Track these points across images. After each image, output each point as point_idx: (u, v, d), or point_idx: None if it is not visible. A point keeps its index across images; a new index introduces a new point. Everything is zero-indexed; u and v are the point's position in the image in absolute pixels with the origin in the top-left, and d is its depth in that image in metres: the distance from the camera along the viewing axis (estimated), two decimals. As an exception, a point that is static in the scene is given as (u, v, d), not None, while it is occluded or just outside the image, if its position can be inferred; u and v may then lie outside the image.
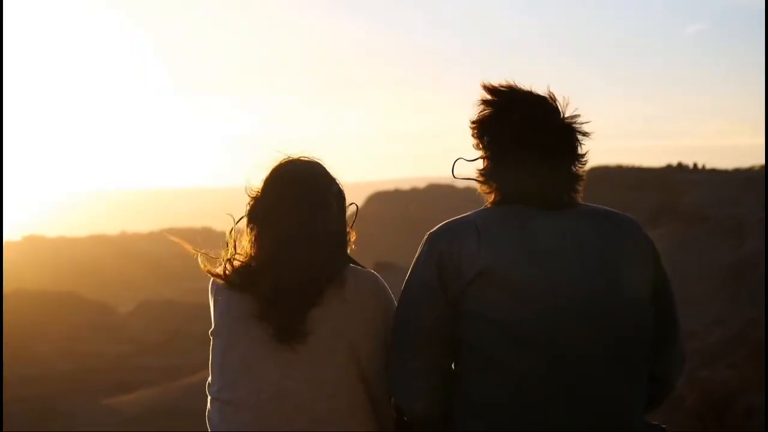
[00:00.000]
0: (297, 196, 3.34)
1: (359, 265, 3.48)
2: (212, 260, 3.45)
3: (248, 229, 3.38)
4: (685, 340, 3.49)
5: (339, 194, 3.44)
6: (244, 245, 3.38)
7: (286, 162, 3.44)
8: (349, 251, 3.48)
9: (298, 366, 3.28)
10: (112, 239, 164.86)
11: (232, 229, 3.42)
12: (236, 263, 3.38)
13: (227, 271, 3.38)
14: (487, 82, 3.30)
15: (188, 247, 3.47)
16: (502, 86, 3.29)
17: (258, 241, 3.35)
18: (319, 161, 3.46)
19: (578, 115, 3.27)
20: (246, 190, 3.43)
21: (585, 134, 3.28)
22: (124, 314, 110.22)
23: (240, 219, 3.42)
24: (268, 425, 3.27)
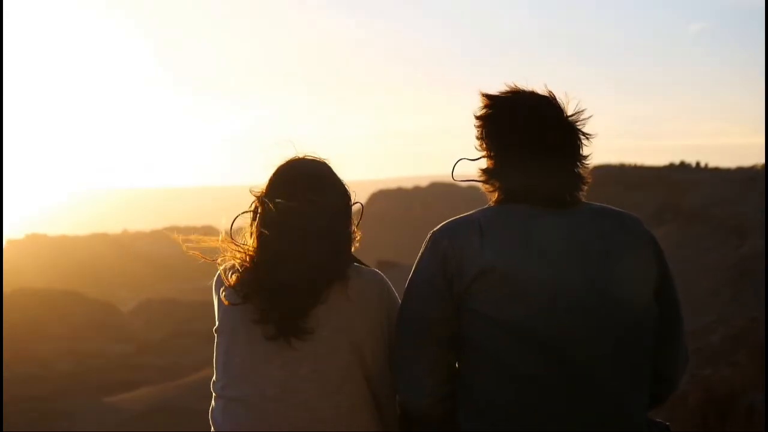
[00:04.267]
0: (302, 194, 3.33)
1: (363, 264, 3.47)
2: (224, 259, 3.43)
3: (252, 227, 3.37)
4: (688, 339, 3.47)
5: (344, 194, 3.43)
6: (248, 243, 3.37)
7: (292, 161, 3.44)
8: (353, 250, 3.47)
9: (302, 364, 3.28)
10: (113, 238, 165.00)
11: (230, 228, 3.41)
12: (239, 261, 3.37)
13: (232, 279, 3.37)
14: (486, 92, 3.30)
15: (196, 253, 3.46)
16: (503, 91, 3.29)
17: (262, 239, 3.34)
18: (325, 160, 3.46)
19: (581, 114, 3.27)
20: (251, 190, 3.42)
21: (588, 134, 3.28)
22: (126, 313, 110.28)
23: (239, 215, 3.41)
24: (271, 423, 3.26)
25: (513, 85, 3.30)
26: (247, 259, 3.35)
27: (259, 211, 3.37)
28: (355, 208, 3.49)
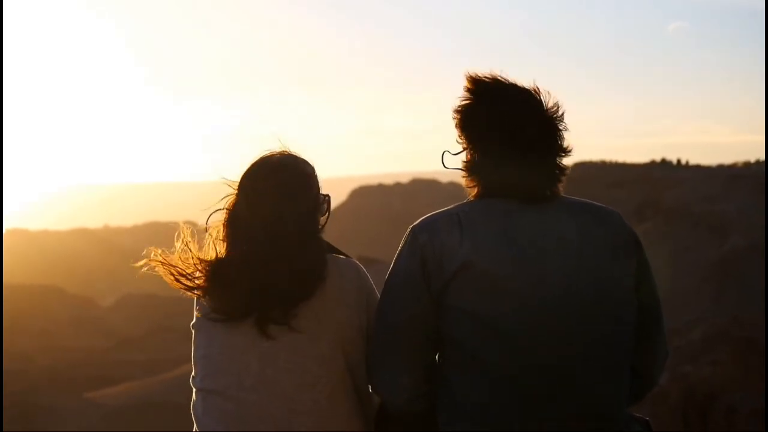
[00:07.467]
0: (272, 189, 3.33)
1: (341, 253, 3.46)
2: (182, 268, 3.41)
3: (225, 225, 3.37)
4: (669, 337, 3.47)
5: (312, 186, 3.43)
6: (219, 240, 3.37)
7: (264, 156, 3.44)
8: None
9: (279, 355, 3.27)
10: (94, 233, 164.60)
11: (206, 224, 3.41)
12: (209, 260, 3.36)
13: (198, 281, 3.36)
14: (472, 72, 3.27)
15: (157, 264, 3.44)
16: (486, 77, 3.26)
17: (234, 236, 3.34)
18: (297, 155, 3.46)
19: (561, 109, 3.25)
20: (229, 184, 3.42)
21: (565, 128, 3.25)
22: (106, 308, 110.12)
23: (213, 212, 3.41)
24: (249, 415, 3.26)
25: (496, 74, 3.27)
26: (221, 255, 3.35)
27: (229, 206, 3.38)
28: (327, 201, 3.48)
